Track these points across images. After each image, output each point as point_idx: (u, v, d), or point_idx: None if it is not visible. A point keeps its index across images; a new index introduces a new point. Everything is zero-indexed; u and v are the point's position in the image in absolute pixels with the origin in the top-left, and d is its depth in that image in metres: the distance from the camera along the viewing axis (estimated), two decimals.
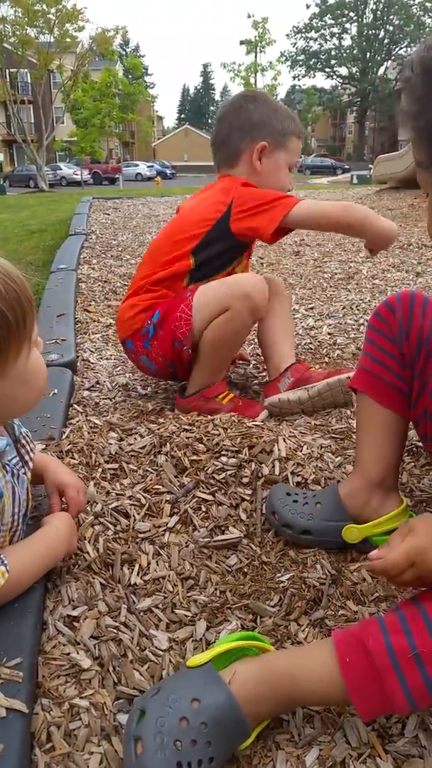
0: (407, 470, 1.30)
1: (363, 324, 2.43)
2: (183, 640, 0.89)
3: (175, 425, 1.39)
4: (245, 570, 1.04)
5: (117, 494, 1.18)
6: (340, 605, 0.96)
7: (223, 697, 0.70)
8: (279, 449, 1.29)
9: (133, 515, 1.13)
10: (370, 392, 1.06)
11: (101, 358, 2.11)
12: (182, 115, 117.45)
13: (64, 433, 1.42)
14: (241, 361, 2.07)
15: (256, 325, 1.78)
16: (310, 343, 2.25)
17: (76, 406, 1.65)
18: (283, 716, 0.77)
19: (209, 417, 1.46)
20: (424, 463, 1.33)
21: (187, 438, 1.33)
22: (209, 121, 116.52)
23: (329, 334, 2.34)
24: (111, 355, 2.15)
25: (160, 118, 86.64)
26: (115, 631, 0.89)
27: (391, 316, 1.04)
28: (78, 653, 0.84)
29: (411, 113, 0.82)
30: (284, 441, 1.32)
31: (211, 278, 1.61)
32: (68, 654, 0.84)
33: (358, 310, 2.65)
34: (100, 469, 1.25)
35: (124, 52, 59.63)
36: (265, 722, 0.75)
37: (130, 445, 1.34)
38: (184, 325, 1.55)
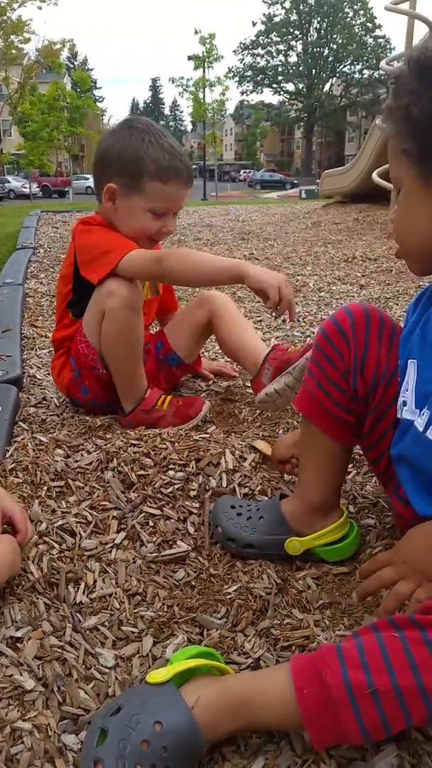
0: (350, 478, 1.33)
1: (310, 336, 2.47)
2: (129, 656, 0.89)
3: (122, 440, 1.39)
4: (193, 583, 1.05)
5: (63, 512, 1.17)
6: (285, 614, 0.97)
7: (185, 722, 0.70)
8: (226, 461, 1.30)
9: (79, 533, 1.12)
10: (314, 419, 1.03)
11: (49, 374, 2.08)
12: None
13: (8, 451, 1.40)
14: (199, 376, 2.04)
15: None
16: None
17: (21, 423, 1.63)
18: None
19: (157, 431, 1.46)
20: (366, 471, 1.36)
21: (135, 453, 1.33)
22: None
23: None
24: None
25: None
26: (59, 650, 0.88)
27: (343, 344, 0.98)
28: (21, 674, 0.83)
29: (402, 105, 0.85)
30: (231, 453, 1.33)
31: None
32: (11, 676, 0.82)
33: (305, 322, 2.69)
34: (45, 488, 1.24)
35: (72, 66, 59.40)
36: None
37: (77, 461, 1.33)
38: (89, 351, 1.59)
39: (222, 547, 1.12)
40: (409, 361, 0.95)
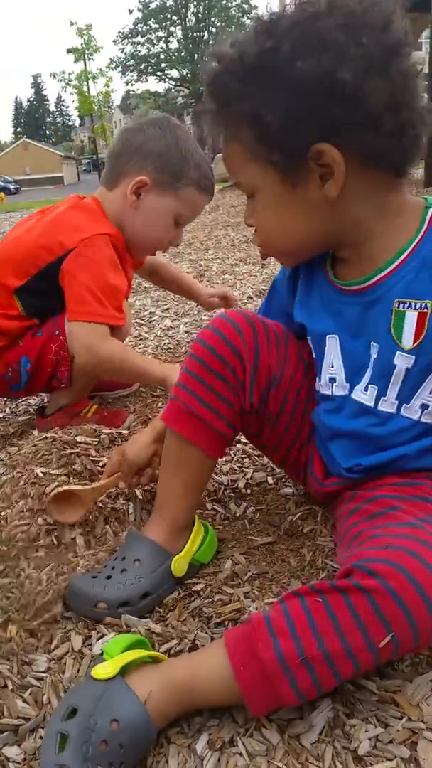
0: None
1: None
2: (60, 656, 0.88)
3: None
4: None
5: None
6: (216, 590, 0.98)
7: (140, 718, 0.70)
8: None
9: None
10: (194, 439, 0.96)
11: None
12: (18, 129, 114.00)
13: None
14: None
15: None
16: (169, 343, 2.28)
17: None
18: None
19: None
20: None
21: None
22: (47, 132, 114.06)
23: (186, 332, 2.39)
24: None
25: None
26: None
27: (235, 359, 0.93)
28: None
29: (244, 112, 0.81)
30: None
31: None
32: None
33: None
34: None
35: None
36: None
37: None
38: (64, 366, 1.48)
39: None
40: (328, 336, 0.95)
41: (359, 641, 0.68)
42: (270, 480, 1.27)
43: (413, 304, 0.84)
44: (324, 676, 0.69)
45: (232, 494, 1.25)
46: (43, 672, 0.86)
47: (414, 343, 0.85)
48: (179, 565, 0.99)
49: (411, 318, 0.85)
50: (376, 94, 0.75)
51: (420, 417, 0.88)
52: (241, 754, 0.72)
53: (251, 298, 2.78)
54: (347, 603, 0.69)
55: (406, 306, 0.85)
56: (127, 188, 1.47)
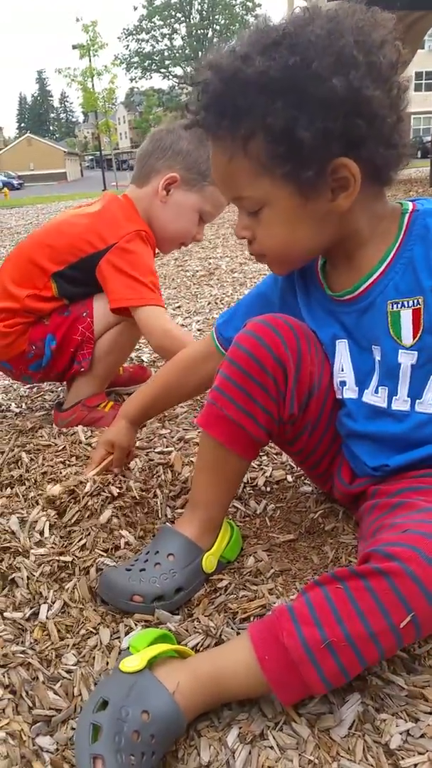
0: None
1: None
2: (90, 650, 0.89)
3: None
4: None
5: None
6: (240, 586, 1.00)
7: (170, 709, 0.72)
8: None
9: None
10: (230, 444, 0.96)
11: None
12: (23, 124, 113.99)
13: None
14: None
15: None
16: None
17: None
18: None
19: None
20: None
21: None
22: (51, 128, 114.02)
23: (199, 330, 2.40)
24: None
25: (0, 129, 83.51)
26: (22, 656, 0.87)
27: (277, 369, 0.92)
28: None
29: (249, 123, 0.80)
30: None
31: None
32: None
33: (222, 304, 2.73)
34: None
35: None
36: None
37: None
38: (87, 349, 1.55)
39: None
40: (338, 341, 0.97)
41: (381, 623, 0.69)
42: (289, 478, 1.28)
43: (406, 302, 0.88)
44: (349, 660, 0.70)
45: (251, 492, 1.27)
46: (73, 665, 0.87)
47: (414, 338, 0.88)
48: (209, 561, 1.00)
49: (406, 316, 0.88)
50: (388, 110, 0.79)
51: None
52: (272, 748, 0.74)
53: None
54: (367, 587, 0.70)
55: (399, 306, 0.88)
56: (158, 185, 1.57)
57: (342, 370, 0.97)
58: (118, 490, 1.19)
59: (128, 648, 0.81)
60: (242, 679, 0.75)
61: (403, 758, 0.70)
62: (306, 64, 0.77)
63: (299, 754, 0.72)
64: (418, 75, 35.16)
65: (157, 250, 1.68)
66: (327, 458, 1.07)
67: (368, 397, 0.95)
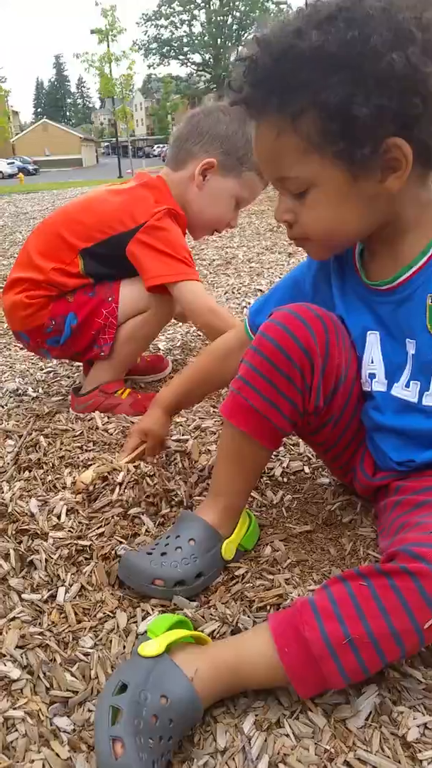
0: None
1: (246, 306, 2.50)
2: (107, 633, 0.90)
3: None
4: None
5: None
6: (257, 575, 1.00)
7: (188, 695, 0.72)
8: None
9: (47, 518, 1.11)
10: (256, 435, 0.96)
11: None
12: (39, 109, 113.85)
13: None
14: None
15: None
16: (199, 330, 2.28)
17: None
18: None
19: None
20: None
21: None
22: (67, 114, 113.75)
23: None
24: None
25: (16, 113, 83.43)
26: (40, 637, 0.88)
27: (305, 361, 0.90)
28: (5, 665, 0.83)
29: (302, 98, 0.77)
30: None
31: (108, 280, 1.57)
32: None
33: (239, 293, 2.72)
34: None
35: None
36: None
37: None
38: (109, 334, 1.54)
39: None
40: (369, 332, 0.96)
41: (405, 623, 0.69)
42: (306, 469, 1.28)
43: None
44: (370, 658, 0.70)
45: (268, 482, 1.26)
46: (90, 648, 0.87)
47: None
48: (229, 548, 1.00)
49: None
50: None
51: None
52: (288, 736, 0.74)
53: None
54: (392, 586, 0.70)
55: None
56: (195, 169, 1.56)
57: (372, 362, 0.96)
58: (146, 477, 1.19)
59: (146, 632, 0.81)
60: (261, 669, 0.75)
61: (420, 751, 0.70)
62: (364, 39, 0.74)
63: (315, 743, 0.73)
64: None
65: (187, 234, 1.67)
66: (349, 450, 1.06)
67: (398, 390, 0.93)
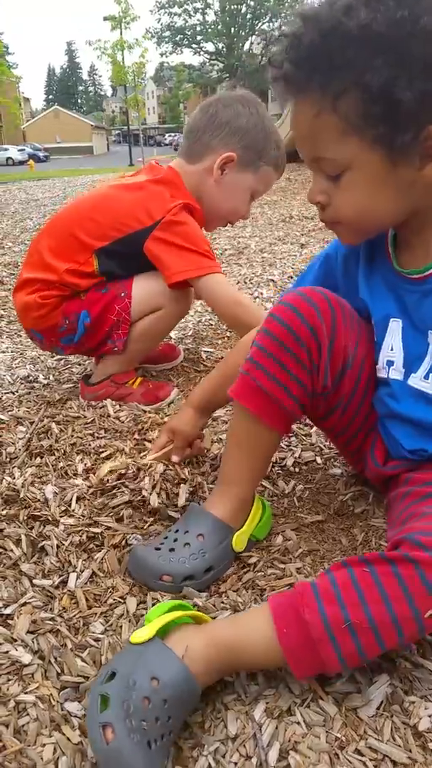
0: (314, 431, 1.36)
1: (258, 297, 2.49)
2: (117, 618, 0.90)
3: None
4: None
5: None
6: (269, 564, 1.00)
7: (180, 674, 0.72)
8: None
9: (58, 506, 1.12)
10: (263, 416, 0.95)
11: None
12: (50, 96, 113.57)
13: None
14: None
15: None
16: (210, 319, 2.28)
17: None
18: (228, 678, 0.80)
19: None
20: None
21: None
22: (79, 101, 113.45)
23: None
24: (7, 348, 2.09)
25: (27, 100, 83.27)
26: (51, 623, 0.88)
27: (312, 340, 0.91)
28: (17, 650, 0.83)
29: (346, 79, 0.75)
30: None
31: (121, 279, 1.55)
32: (7, 652, 0.83)
33: (251, 283, 2.71)
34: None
35: None
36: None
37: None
38: (122, 329, 1.53)
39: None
40: (392, 320, 0.95)
41: (405, 610, 0.69)
42: (318, 460, 1.28)
43: None
44: (368, 643, 0.70)
45: (280, 472, 1.26)
46: (101, 633, 0.88)
47: None
48: (240, 540, 0.99)
49: None
50: None
51: None
52: (298, 723, 0.74)
53: (291, 278, 2.76)
54: (395, 573, 0.70)
55: None
56: (213, 163, 1.53)
57: (391, 350, 0.96)
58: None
59: (145, 620, 0.81)
60: (260, 649, 0.75)
61: (431, 740, 0.70)
62: (414, 19, 0.72)
63: (326, 731, 0.73)
64: None
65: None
66: (360, 435, 1.06)
67: (415, 381, 0.93)
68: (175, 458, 1.18)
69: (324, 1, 0.78)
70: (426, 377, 0.92)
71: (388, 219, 0.89)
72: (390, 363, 0.96)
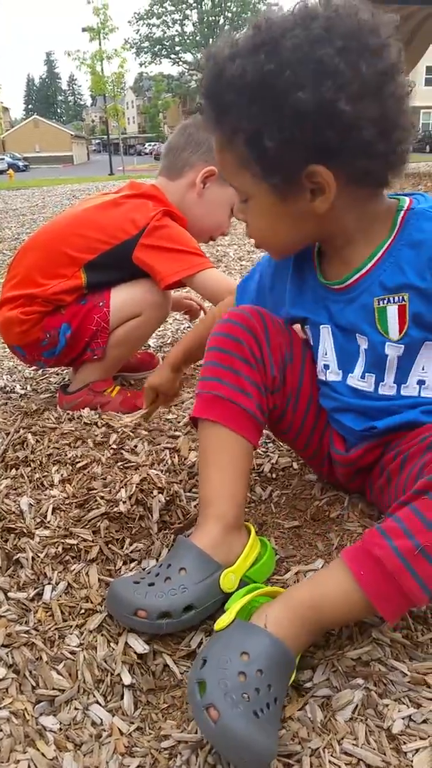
0: None
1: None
2: (92, 631, 0.89)
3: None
4: None
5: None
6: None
7: (267, 641, 0.73)
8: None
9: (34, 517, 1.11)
10: (227, 421, 0.95)
11: None
12: (30, 106, 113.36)
13: None
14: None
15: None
16: (188, 327, 2.28)
17: None
18: None
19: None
20: None
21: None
22: (58, 110, 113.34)
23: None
24: None
25: (6, 109, 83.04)
26: (26, 635, 0.87)
27: (249, 337, 0.97)
28: None
29: (246, 129, 0.83)
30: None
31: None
32: None
33: None
34: None
35: None
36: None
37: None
38: (101, 338, 1.54)
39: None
40: (321, 326, 1.02)
41: None
42: (295, 465, 1.28)
43: (391, 299, 0.91)
44: None
45: (257, 478, 1.26)
46: (76, 646, 0.87)
47: (400, 333, 0.92)
48: (228, 579, 0.90)
49: (392, 312, 0.92)
50: (370, 122, 0.79)
51: (419, 392, 0.95)
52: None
53: None
54: None
55: (385, 302, 0.92)
56: (194, 178, 1.59)
57: (325, 354, 1.02)
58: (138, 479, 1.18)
59: (225, 610, 0.82)
60: (342, 600, 0.76)
61: (405, 743, 0.71)
62: (278, 73, 0.78)
63: (301, 737, 0.73)
64: (429, 69, 34.46)
65: None
66: (316, 436, 1.09)
67: (353, 381, 0.99)
68: (162, 408, 1.36)
69: (226, 41, 0.85)
70: (362, 377, 0.98)
71: (293, 243, 0.97)
72: (326, 366, 1.03)
